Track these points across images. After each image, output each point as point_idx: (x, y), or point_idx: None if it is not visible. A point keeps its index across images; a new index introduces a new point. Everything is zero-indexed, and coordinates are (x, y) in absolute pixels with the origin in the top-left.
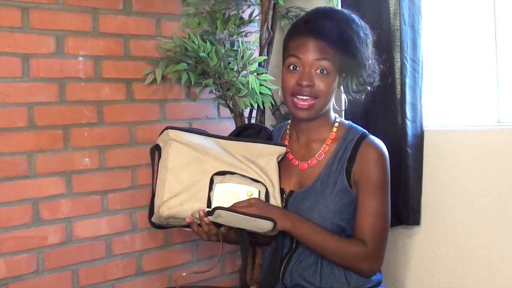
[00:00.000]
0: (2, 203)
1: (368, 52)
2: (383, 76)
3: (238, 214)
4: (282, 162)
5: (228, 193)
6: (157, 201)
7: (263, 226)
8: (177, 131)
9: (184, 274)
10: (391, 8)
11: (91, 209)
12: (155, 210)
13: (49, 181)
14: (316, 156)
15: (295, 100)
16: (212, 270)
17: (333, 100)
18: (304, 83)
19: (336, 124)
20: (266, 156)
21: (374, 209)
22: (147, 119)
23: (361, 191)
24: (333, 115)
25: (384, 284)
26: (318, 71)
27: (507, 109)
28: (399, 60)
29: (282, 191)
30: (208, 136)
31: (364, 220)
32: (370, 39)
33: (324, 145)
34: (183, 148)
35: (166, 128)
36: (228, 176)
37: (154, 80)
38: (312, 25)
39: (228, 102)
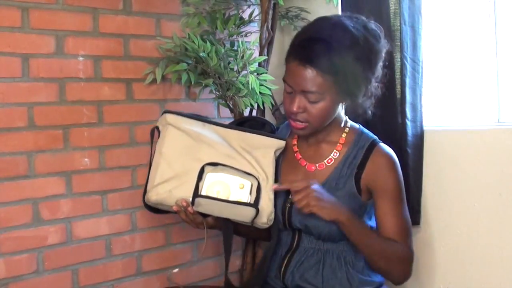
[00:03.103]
0: (2, 203)
1: (368, 75)
2: (384, 100)
3: (218, 202)
4: (290, 161)
5: (219, 184)
6: (149, 185)
7: (245, 213)
8: (175, 115)
9: (176, 270)
10: (391, 8)
11: (91, 209)
12: (147, 194)
13: (49, 181)
14: (325, 161)
15: (290, 120)
16: (212, 270)
17: (339, 109)
18: (294, 109)
19: (346, 130)
20: (264, 148)
21: (398, 212)
22: (147, 119)
23: (381, 199)
24: (343, 117)
25: (386, 284)
26: (309, 99)
27: (507, 109)
28: (399, 60)
29: (288, 191)
30: (207, 122)
31: (390, 222)
32: (374, 60)
33: (334, 150)
34: (179, 134)
35: (165, 112)
36: (220, 167)
37: (154, 80)
38: (305, 52)
39: (228, 102)
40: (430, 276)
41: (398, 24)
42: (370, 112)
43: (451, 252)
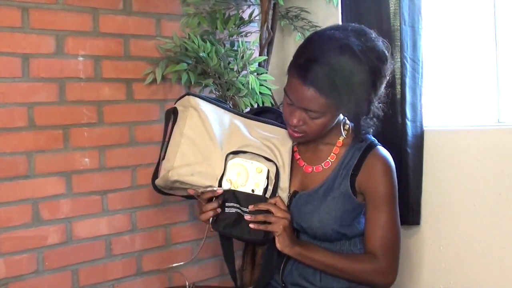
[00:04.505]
0: (2, 203)
1: (371, 97)
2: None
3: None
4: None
5: (238, 167)
6: (166, 164)
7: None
8: (198, 98)
9: (168, 266)
10: (391, 8)
11: (91, 209)
12: (163, 173)
13: (49, 181)
14: (322, 164)
15: (289, 128)
16: (212, 270)
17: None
18: (294, 122)
19: (344, 133)
20: (282, 138)
21: (384, 222)
22: (147, 119)
23: (370, 204)
24: (342, 118)
25: None
26: (310, 116)
27: (507, 109)
28: (399, 60)
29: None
30: (228, 110)
31: (374, 233)
32: (378, 83)
33: (332, 154)
34: (202, 118)
35: (187, 94)
36: (241, 154)
37: (154, 80)
38: (309, 73)
39: (228, 102)
40: (430, 276)
41: (398, 24)
42: (371, 131)
43: (451, 252)
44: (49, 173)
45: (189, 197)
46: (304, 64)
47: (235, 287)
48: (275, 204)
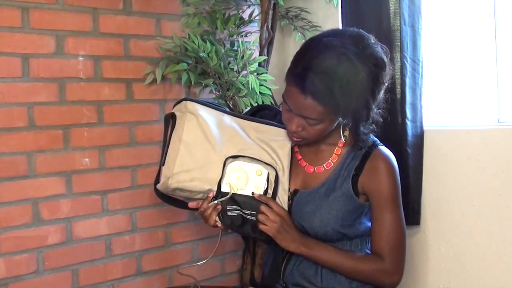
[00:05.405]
0: (2, 203)
1: (370, 103)
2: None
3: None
4: (291, 161)
5: (238, 170)
6: (166, 171)
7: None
8: (195, 103)
9: (185, 266)
10: (391, 8)
11: (91, 209)
12: (163, 179)
13: (49, 181)
14: (324, 164)
15: (288, 132)
16: (212, 270)
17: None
18: (293, 127)
19: (346, 132)
20: (281, 140)
21: (389, 222)
22: (147, 119)
23: (374, 205)
24: (343, 120)
25: None
26: (308, 122)
27: (507, 109)
28: (399, 60)
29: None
30: (226, 113)
31: (380, 234)
32: (377, 90)
33: (334, 154)
34: (199, 123)
35: (185, 99)
36: (240, 158)
37: (154, 80)
38: (306, 83)
39: (228, 102)
40: (430, 276)
41: (398, 24)
42: (370, 137)
43: (451, 252)
44: (49, 173)
45: (189, 209)
46: (301, 72)
47: (236, 287)
48: (267, 205)
